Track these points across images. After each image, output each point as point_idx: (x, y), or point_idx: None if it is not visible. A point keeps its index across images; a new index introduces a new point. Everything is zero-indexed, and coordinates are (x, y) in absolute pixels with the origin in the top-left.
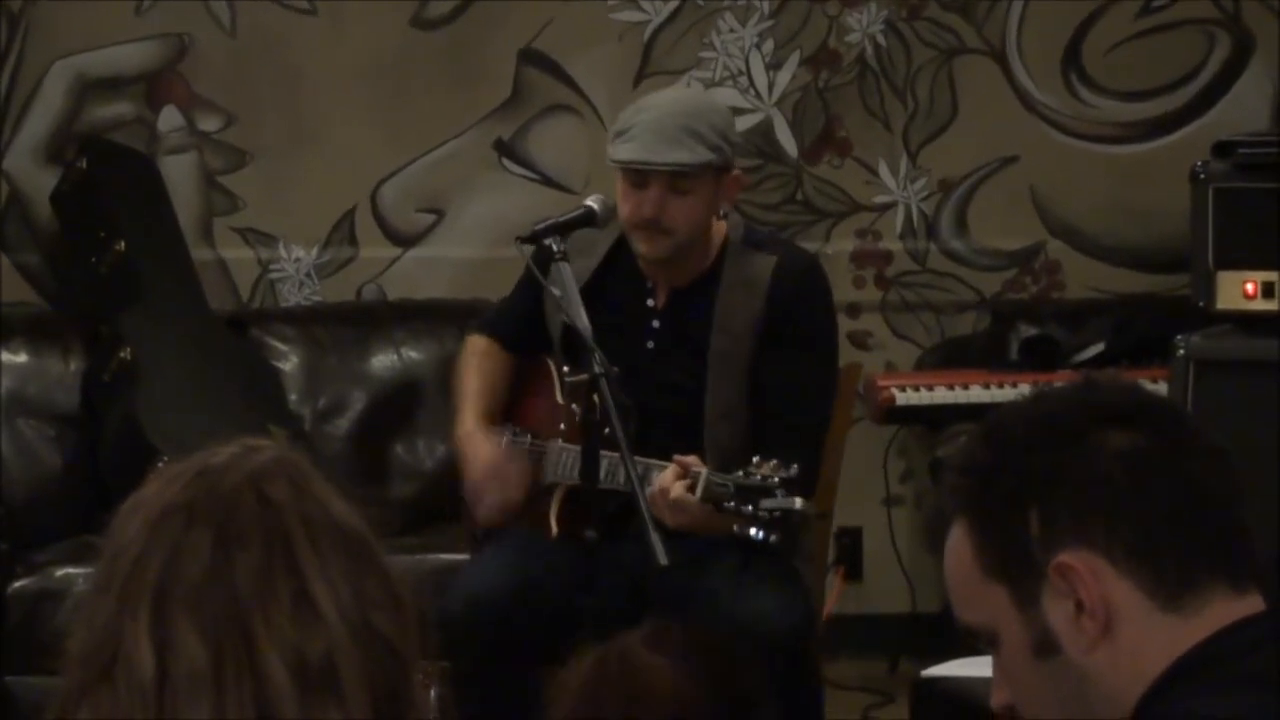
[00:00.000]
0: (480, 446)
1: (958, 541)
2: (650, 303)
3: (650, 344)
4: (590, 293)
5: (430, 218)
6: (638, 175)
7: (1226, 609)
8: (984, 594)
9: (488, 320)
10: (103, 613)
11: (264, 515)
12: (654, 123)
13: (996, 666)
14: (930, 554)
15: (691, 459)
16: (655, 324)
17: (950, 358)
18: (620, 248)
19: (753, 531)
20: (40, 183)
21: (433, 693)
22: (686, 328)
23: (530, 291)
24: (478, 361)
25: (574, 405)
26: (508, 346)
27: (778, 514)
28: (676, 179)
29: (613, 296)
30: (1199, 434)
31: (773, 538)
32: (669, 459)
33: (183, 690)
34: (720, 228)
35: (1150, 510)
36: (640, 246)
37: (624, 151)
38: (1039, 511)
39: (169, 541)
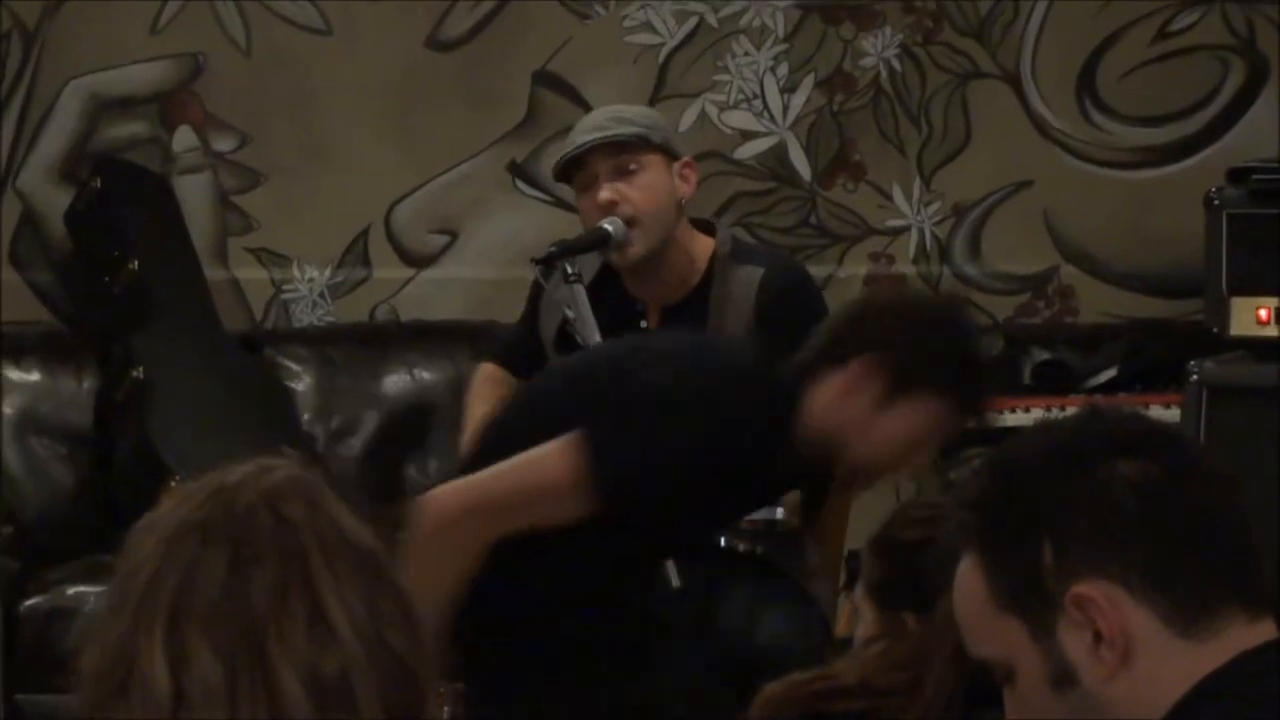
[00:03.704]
0: None
1: (968, 575)
2: (643, 324)
3: None
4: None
5: (444, 239)
6: (584, 174)
7: (1242, 635)
8: (997, 627)
9: (497, 347)
10: (117, 630)
11: (279, 533)
12: (581, 125)
13: (1010, 699)
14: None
15: None
16: None
17: None
18: (609, 270)
19: (739, 546)
20: (54, 202)
21: (446, 712)
22: None
23: (535, 316)
24: (486, 390)
25: None
26: (517, 373)
27: (760, 524)
28: (619, 158)
29: (605, 319)
30: (1206, 461)
31: (758, 549)
32: None
33: (198, 706)
34: (708, 243)
35: (1165, 538)
36: (612, 251)
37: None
38: (1051, 542)
39: (184, 559)
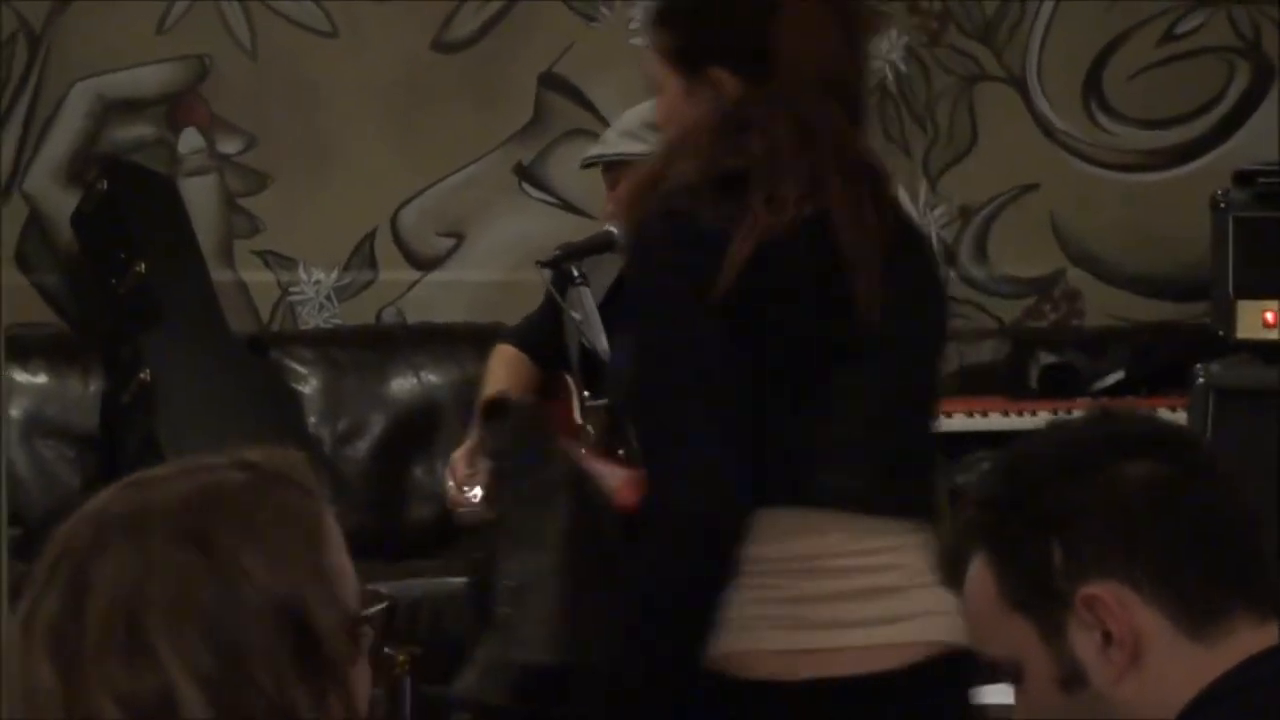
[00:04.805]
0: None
1: (978, 575)
2: None
3: None
4: (602, 316)
5: (450, 241)
6: (609, 177)
7: (1251, 637)
8: (1007, 627)
9: (516, 332)
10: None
11: (124, 561)
12: (620, 123)
13: (1019, 699)
14: (948, 585)
15: None
16: None
17: (969, 385)
18: None
19: None
20: (61, 204)
21: (407, 680)
22: None
23: (554, 310)
24: (502, 370)
25: (589, 426)
26: (534, 358)
27: None
28: None
29: (623, 318)
30: (1216, 463)
31: None
32: None
33: (43, 707)
34: None
35: (1174, 539)
36: (618, 253)
37: (588, 152)
38: (1061, 543)
39: (46, 563)
